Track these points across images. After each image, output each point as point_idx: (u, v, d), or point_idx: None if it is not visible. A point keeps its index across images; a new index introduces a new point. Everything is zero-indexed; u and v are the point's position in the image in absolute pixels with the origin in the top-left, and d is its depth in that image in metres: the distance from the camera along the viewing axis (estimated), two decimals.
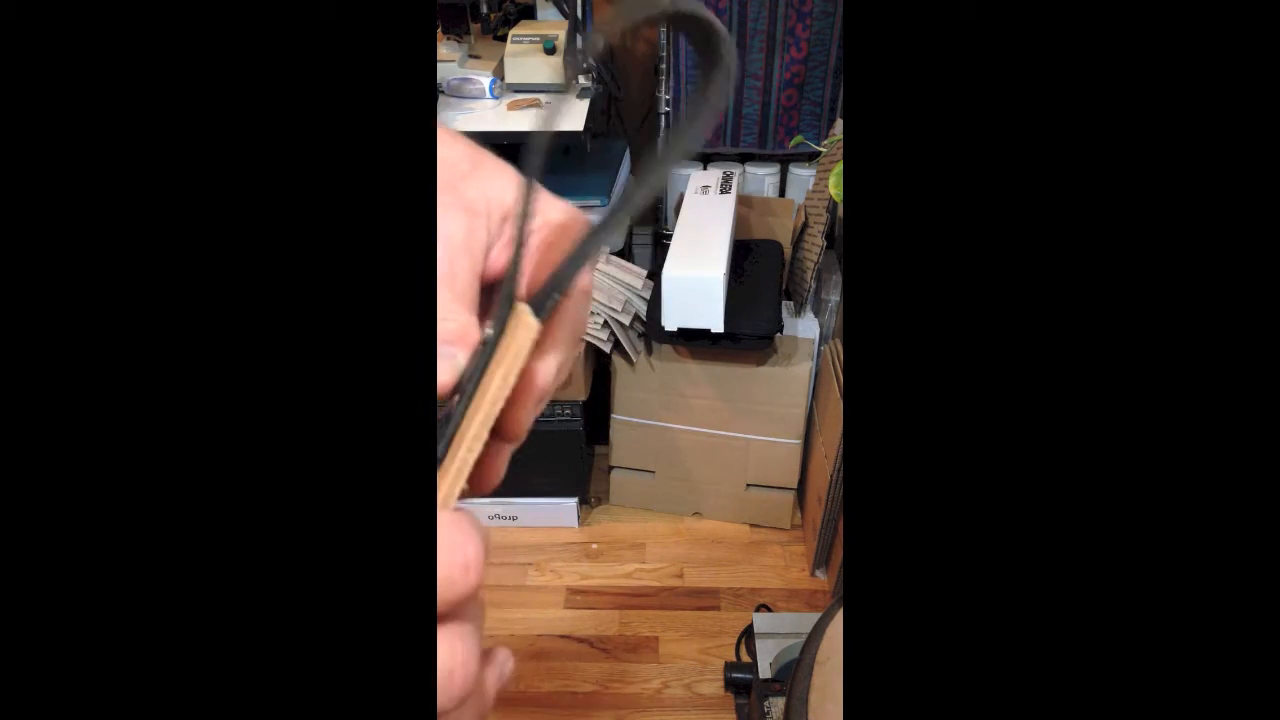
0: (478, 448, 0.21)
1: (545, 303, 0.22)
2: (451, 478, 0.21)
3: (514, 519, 1.56)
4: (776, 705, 1.03)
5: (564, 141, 1.34)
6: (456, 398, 0.22)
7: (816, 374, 1.45)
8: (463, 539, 0.19)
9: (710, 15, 0.21)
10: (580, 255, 0.22)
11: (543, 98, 1.44)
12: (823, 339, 1.49)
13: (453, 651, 0.19)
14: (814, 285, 1.44)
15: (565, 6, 1.46)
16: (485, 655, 0.21)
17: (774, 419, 1.44)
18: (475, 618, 0.20)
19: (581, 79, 1.49)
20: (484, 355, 0.22)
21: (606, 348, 1.38)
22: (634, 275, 1.42)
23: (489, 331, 0.22)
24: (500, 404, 0.21)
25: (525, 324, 0.21)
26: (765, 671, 1.10)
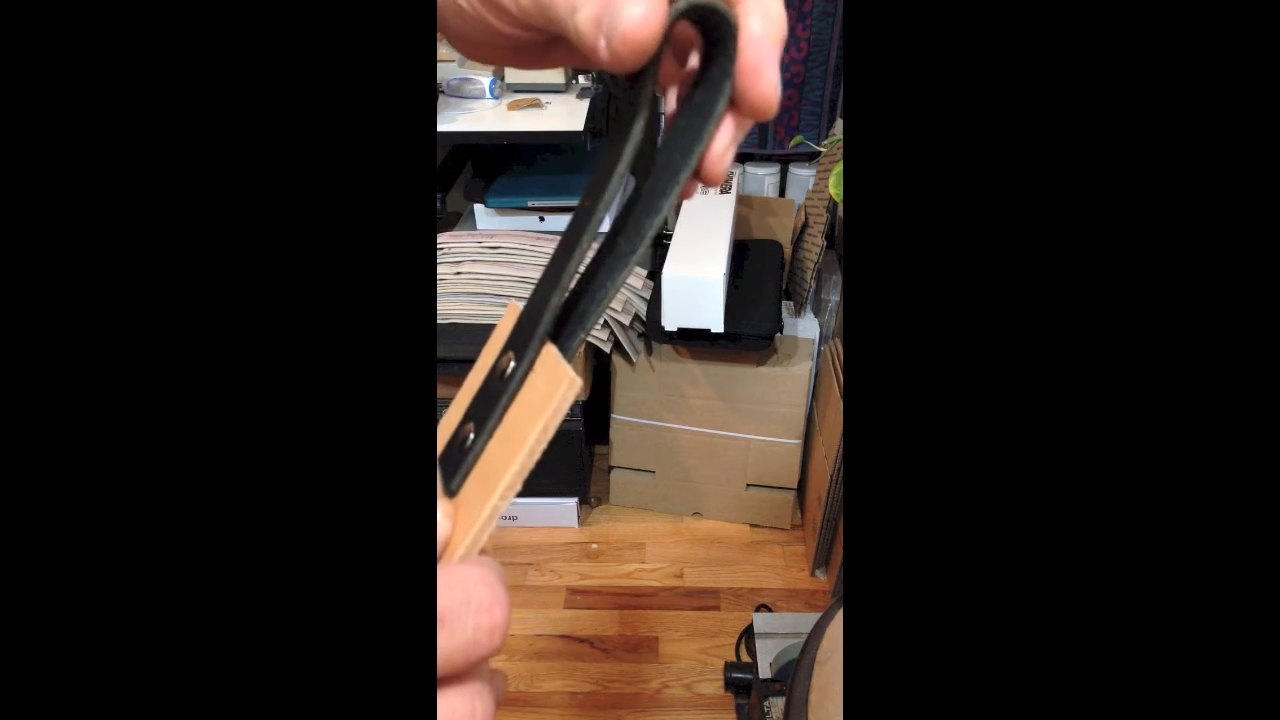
0: (510, 496, 0.20)
1: (571, 343, 0.22)
2: (480, 525, 0.20)
3: (514, 519, 1.56)
4: (776, 705, 1.03)
5: (561, 142, 1.34)
6: (470, 428, 0.22)
7: (816, 374, 1.45)
8: (490, 600, 0.19)
9: (723, 5, 0.21)
10: (604, 291, 0.22)
11: (543, 98, 1.44)
12: (823, 339, 1.49)
13: (472, 713, 0.19)
14: (814, 285, 1.44)
15: None
16: (490, 679, 0.21)
17: (774, 419, 1.44)
18: (487, 672, 0.20)
19: (581, 79, 1.49)
20: (504, 391, 0.21)
21: (606, 348, 1.38)
22: (634, 275, 1.42)
23: (511, 364, 0.21)
24: (538, 455, 0.20)
25: (568, 379, 0.20)
26: (765, 671, 1.10)
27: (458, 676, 0.19)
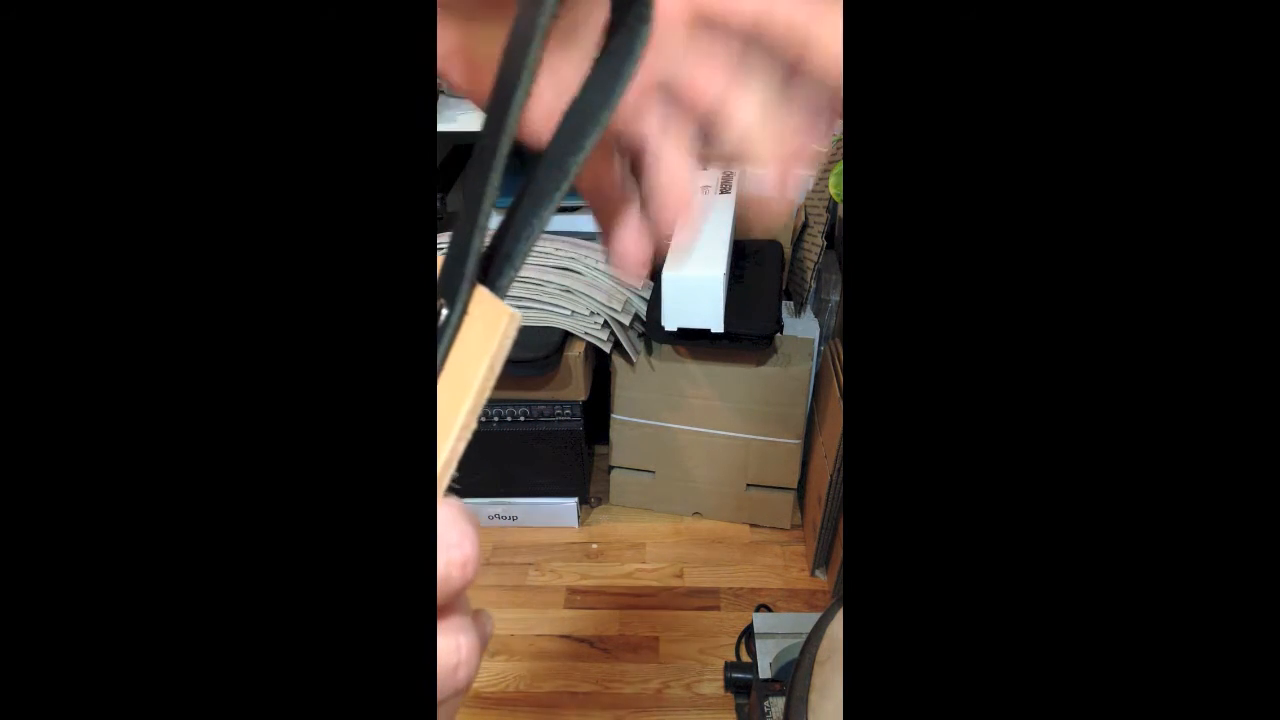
0: (467, 437, 0.21)
1: (500, 281, 0.22)
2: (441, 468, 0.21)
3: (514, 519, 1.56)
4: (776, 705, 1.03)
5: None
6: None
7: (816, 374, 1.45)
8: (459, 536, 0.19)
9: None
10: (530, 228, 0.22)
11: None
12: (823, 339, 1.49)
13: (457, 647, 0.19)
14: (814, 285, 1.44)
15: None
16: (475, 617, 0.21)
17: (774, 419, 1.43)
18: (467, 606, 0.21)
19: None
20: (441, 337, 0.21)
21: (606, 348, 1.38)
22: None
23: (444, 312, 0.22)
24: (488, 394, 0.21)
25: (508, 314, 0.20)
26: (765, 671, 1.10)
27: (437, 612, 0.20)
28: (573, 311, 1.35)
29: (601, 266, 1.40)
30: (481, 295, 0.21)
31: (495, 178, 0.21)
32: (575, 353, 1.38)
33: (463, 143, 1.50)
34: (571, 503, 1.55)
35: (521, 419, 1.44)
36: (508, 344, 0.21)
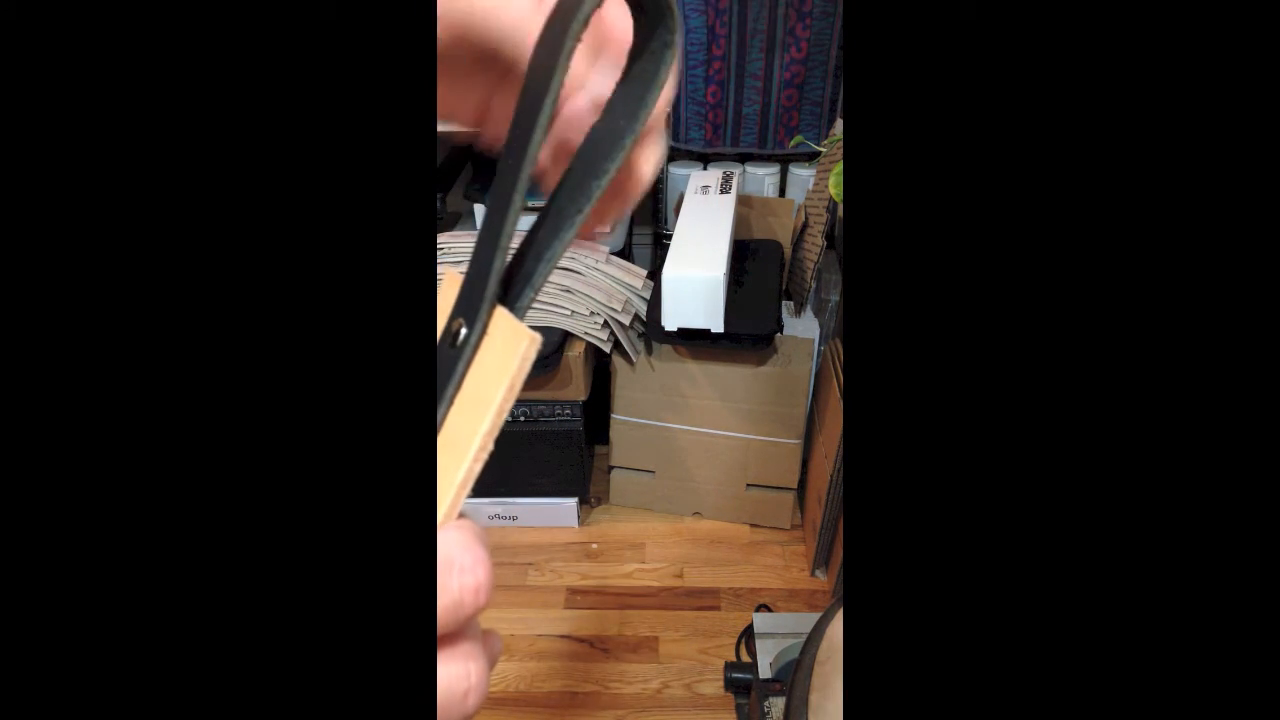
0: (483, 458, 0.21)
1: (520, 303, 0.22)
2: (456, 491, 0.20)
3: (514, 519, 1.56)
4: (776, 705, 1.03)
5: None
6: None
7: (816, 374, 1.45)
8: (472, 562, 0.19)
9: None
10: (551, 250, 0.22)
11: None
12: (823, 339, 1.49)
13: (466, 674, 0.19)
14: (814, 285, 1.44)
15: None
16: (485, 640, 0.21)
17: (774, 419, 1.44)
18: (478, 631, 0.20)
19: None
20: (460, 357, 0.21)
21: (606, 348, 1.38)
22: (634, 275, 1.42)
23: (463, 331, 0.21)
24: (506, 415, 0.21)
25: (528, 337, 0.20)
26: (765, 671, 1.10)
27: (449, 637, 0.19)
28: (573, 311, 1.35)
29: (601, 266, 1.40)
30: (501, 316, 0.21)
31: (518, 198, 0.21)
32: (575, 353, 1.38)
33: (462, 143, 1.50)
34: (571, 503, 1.55)
35: (521, 419, 1.44)
36: (527, 366, 0.20)
